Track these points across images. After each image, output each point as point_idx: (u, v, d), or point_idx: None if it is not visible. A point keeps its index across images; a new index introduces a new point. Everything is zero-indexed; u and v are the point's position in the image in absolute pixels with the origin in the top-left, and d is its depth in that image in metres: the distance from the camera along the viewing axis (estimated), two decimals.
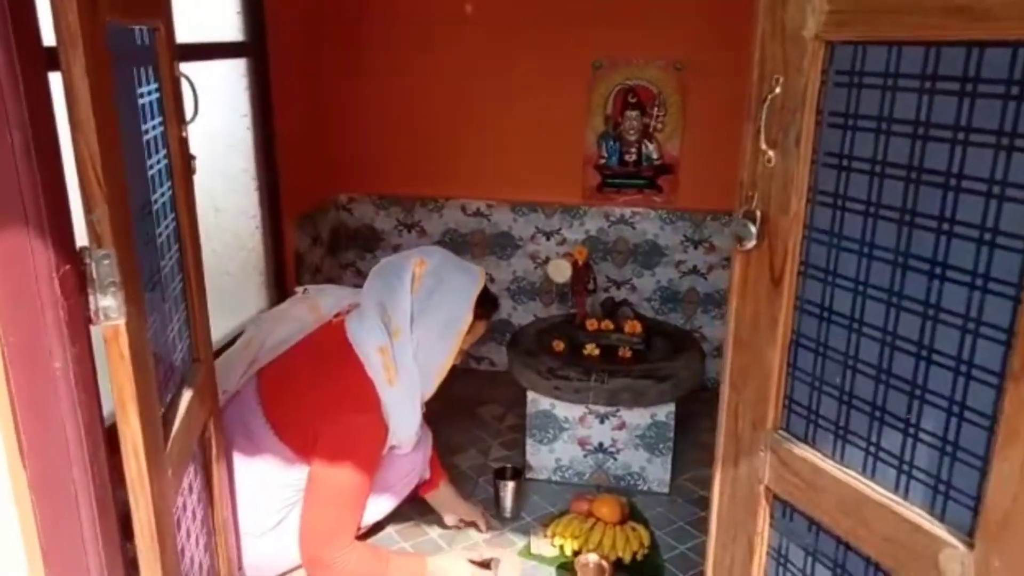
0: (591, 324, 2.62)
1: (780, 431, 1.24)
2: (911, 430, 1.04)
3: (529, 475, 2.58)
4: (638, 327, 2.59)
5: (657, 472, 2.51)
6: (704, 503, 2.48)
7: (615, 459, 2.52)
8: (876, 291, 1.06)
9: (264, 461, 1.79)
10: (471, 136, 3.17)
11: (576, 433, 2.52)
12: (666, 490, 2.52)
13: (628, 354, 2.54)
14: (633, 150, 3.07)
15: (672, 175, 3.07)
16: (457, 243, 3.30)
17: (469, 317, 1.89)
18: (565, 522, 2.26)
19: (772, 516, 1.30)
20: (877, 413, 1.08)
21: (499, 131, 3.14)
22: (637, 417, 2.46)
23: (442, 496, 2.24)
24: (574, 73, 3.04)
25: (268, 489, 1.80)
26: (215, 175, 2.47)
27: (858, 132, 1.06)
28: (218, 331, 2.44)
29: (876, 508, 1.08)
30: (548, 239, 3.23)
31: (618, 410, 2.45)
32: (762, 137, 1.16)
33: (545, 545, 2.24)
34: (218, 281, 2.48)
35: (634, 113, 3.04)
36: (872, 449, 1.10)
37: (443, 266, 1.91)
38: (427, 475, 2.21)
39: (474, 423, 2.92)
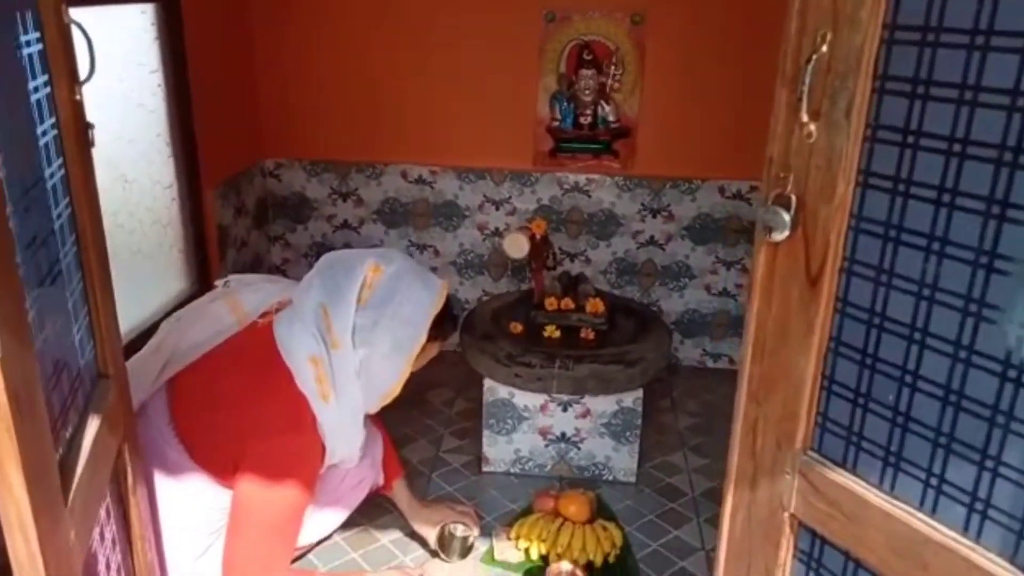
0: (550, 303, 2.42)
1: (811, 452, 1.07)
2: (989, 462, 0.87)
3: (487, 468, 2.38)
4: (600, 306, 2.40)
5: (623, 461, 2.35)
6: (672, 492, 2.34)
7: (579, 449, 2.35)
8: (948, 296, 0.88)
9: (178, 486, 1.53)
10: (412, 95, 2.89)
11: (537, 422, 2.33)
12: (633, 479, 2.36)
13: (591, 335, 2.35)
14: (588, 112, 2.85)
15: (629, 139, 2.87)
16: (397, 213, 3.04)
17: (423, 340, 1.63)
18: (530, 523, 2.08)
19: (797, 547, 1.13)
20: (943, 440, 0.91)
21: (443, 90, 2.87)
22: (602, 404, 2.29)
23: (399, 497, 2.02)
24: (524, 25, 2.78)
25: (187, 516, 1.55)
26: (123, 142, 2.14)
27: (931, 102, 0.86)
28: (131, 319, 2.15)
29: (939, 550, 0.91)
30: (497, 208, 2.99)
31: (582, 397, 2.27)
32: (803, 106, 0.95)
33: (509, 548, 2.06)
34: (129, 263, 2.18)
35: (589, 71, 2.81)
36: (934, 481, 0.93)
37: (400, 276, 1.62)
38: (380, 480, 1.98)
39: (422, 410, 2.70)
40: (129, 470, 1.29)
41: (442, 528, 1.96)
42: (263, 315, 1.67)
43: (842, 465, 1.03)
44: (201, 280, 2.59)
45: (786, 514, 1.11)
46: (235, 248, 2.80)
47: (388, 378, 1.61)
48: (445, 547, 1.96)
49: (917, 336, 0.92)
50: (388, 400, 1.65)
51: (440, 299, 1.66)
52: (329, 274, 1.62)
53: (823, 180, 0.97)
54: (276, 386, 1.53)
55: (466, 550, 1.98)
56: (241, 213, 2.83)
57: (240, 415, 1.50)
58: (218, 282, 1.81)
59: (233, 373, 1.57)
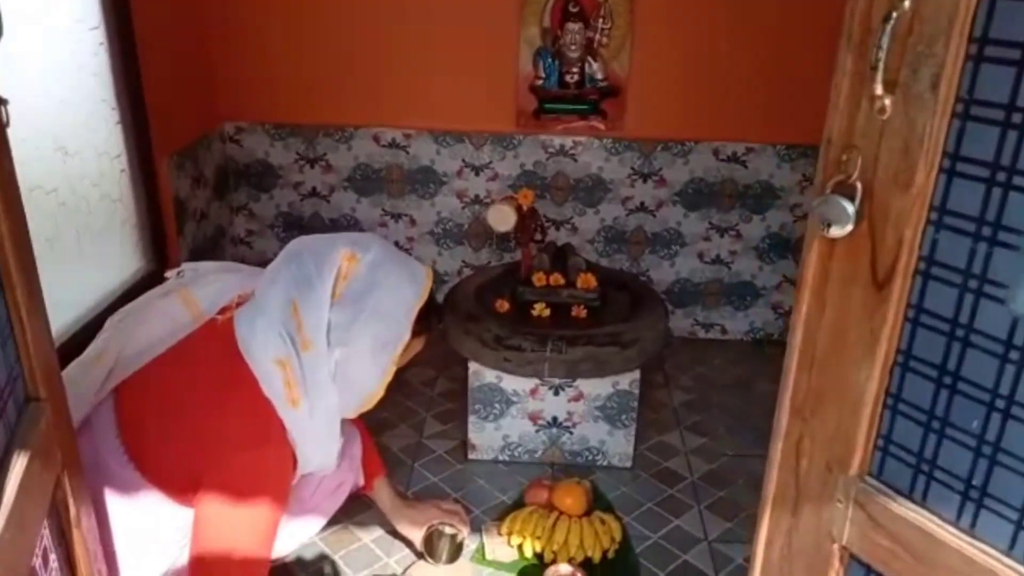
0: (538, 279, 2.25)
1: (869, 478, 0.92)
2: None
3: (473, 455, 2.24)
4: (592, 281, 2.24)
5: (619, 445, 2.21)
6: (670, 476, 2.21)
7: (571, 433, 2.21)
8: None
9: (130, 506, 1.35)
10: (384, 52, 2.66)
11: (526, 407, 2.18)
12: (629, 464, 2.23)
13: (583, 313, 2.19)
14: (575, 69, 2.65)
15: (618, 98, 2.68)
16: (370, 179, 2.83)
17: (407, 336, 1.45)
18: (523, 517, 1.94)
19: None
20: None
21: (417, 46, 2.65)
22: (597, 387, 2.14)
23: (381, 497, 1.86)
24: None
25: (142, 539, 1.37)
26: (62, 109, 1.91)
27: None
28: (79, 307, 1.95)
29: None
30: (477, 174, 2.80)
31: (575, 380, 2.12)
32: (877, 76, 0.78)
33: (501, 546, 1.92)
34: (75, 244, 1.96)
35: (575, 26, 2.60)
36: None
37: (379, 265, 1.43)
38: (360, 480, 1.82)
39: (402, 392, 2.54)
40: (71, 502, 1.11)
41: (429, 529, 1.82)
42: (222, 311, 1.47)
43: (908, 496, 0.89)
44: (158, 258, 2.38)
45: (836, 546, 0.97)
46: (194, 221, 2.58)
47: (369, 380, 1.43)
48: (433, 550, 1.82)
49: (1014, 355, 0.76)
50: (370, 405, 1.48)
51: (425, 291, 1.48)
52: (298, 264, 1.42)
53: (898, 165, 0.80)
54: (238, 393, 1.35)
55: (455, 552, 1.84)
56: (200, 183, 2.61)
57: (197, 428, 1.32)
58: (169, 273, 1.61)
59: (188, 379, 1.39)
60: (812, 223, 0.89)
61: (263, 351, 1.36)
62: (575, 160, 2.76)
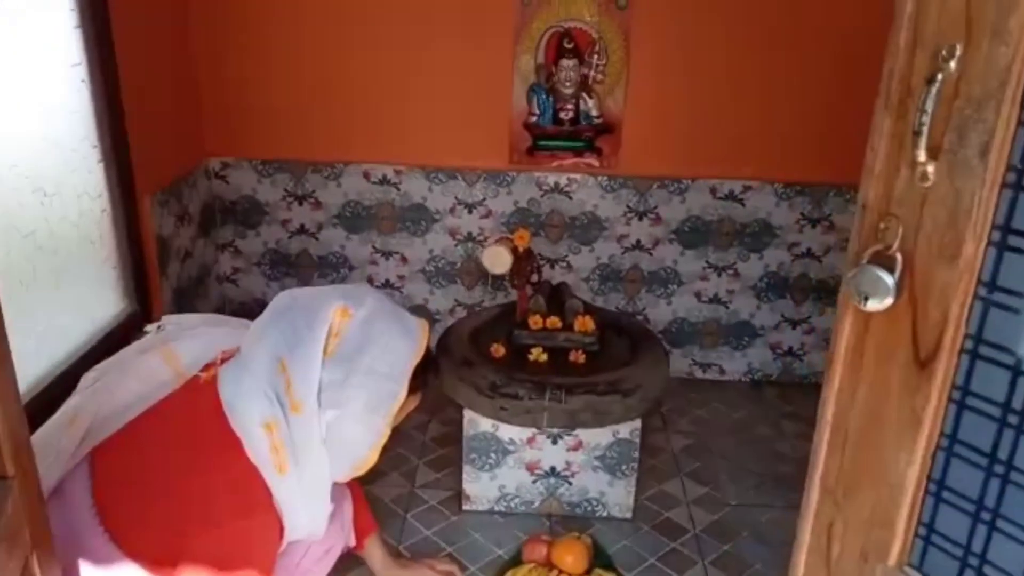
0: (535, 321, 2.18)
1: (909, 569, 0.85)
2: None
3: (467, 506, 2.15)
4: (590, 324, 2.17)
5: (619, 496, 2.13)
6: (672, 528, 2.13)
7: (570, 484, 2.12)
8: None
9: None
10: (374, 88, 2.60)
11: (523, 456, 2.10)
12: (629, 515, 2.15)
13: (581, 358, 2.12)
14: (569, 106, 2.60)
15: (614, 135, 2.63)
16: (360, 217, 2.76)
17: (403, 395, 1.38)
18: (523, 575, 1.85)
19: None
20: None
21: (409, 82, 2.60)
22: (597, 436, 2.06)
23: (372, 556, 1.77)
24: (498, 10, 2.52)
25: None
26: (43, 148, 1.84)
27: None
28: (55, 354, 1.86)
29: None
30: (470, 212, 2.74)
31: (575, 430, 2.04)
32: (920, 142, 0.72)
33: None
34: (52, 288, 1.88)
35: (570, 62, 2.55)
36: None
37: (373, 321, 1.36)
38: (351, 541, 1.73)
39: (392, 438, 2.41)
40: None
41: None
42: (205, 368, 1.39)
43: None
44: (141, 299, 2.29)
45: None
46: (178, 260, 2.50)
47: (362, 442, 1.35)
48: None
49: None
50: (364, 469, 1.40)
51: (421, 346, 1.41)
52: (288, 320, 1.34)
53: (943, 236, 0.75)
54: (221, 459, 1.26)
55: None
56: (184, 221, 2.53)
57: (177, 497, 1.23)
58: (149, 327, 1.52)
59: (168, 442, 1.30)
60: (846, 294, 0.83)
61: (249, 414, 1.28)
62: (570, 198, 2.70)
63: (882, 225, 0.79)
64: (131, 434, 1.31)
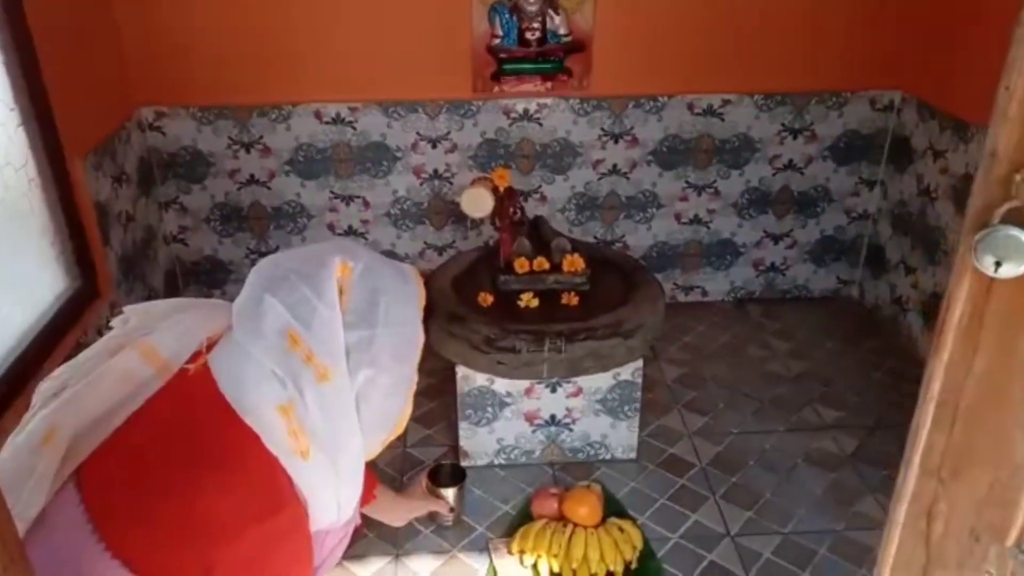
0: (521, 265, 2.04)
1: None
2: None
3: (466, 462, 2.05)
4: (580, 263, 2.04)
5: (622, 437, 2.06)
6: (678, 464, 2.08)
7: (571, 430, 2.04)
8: None
9: None
10: (320, 18, 2.35)
11: (521, 407, 2.00)
12: (633, 455, 2.09)
13: (574, 300, 2.00)
14: (535, 25, 2.40)
15: (584, 54, 2.45)
16: (314, 161, 2.55)
17: (423, 338, 1.32)
18: (536, 532, 1.78)
19: None
20: None
21: (357, 9, 2.35)
22: (597, 380, 1.97)
23: (380, 504, 1.69)
24: None
25: None
26: None
27: None
28: None
29: None
30: (434, 147, 2.55)
31: (577, 376, 1.94)
32: None
33: (513, 566, 1.76)
34: None
35: None
36: None
37: (373, 270, 1.29)
38: (357, 519, 1.62)
39: None
40: None
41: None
42: (191, 359, 1.23)
43: None
44: (85, 273, 2.08)
45: None
46: (120, 225, 2.27)
47: (398, 395, 1.29)
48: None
49: None
50: (402, 426, 1.34)
51: (421, 289, 1.36)
52: (286, 289, 1.21)
53: None
54: (234, 457, 1.13)
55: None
56: (121, 181, 2.29)
57: (195, 510, 1.09)
58: (114, 321, 1.34)
59: (170, 449, 1.15)
60: (967, 256, 0.71)
61: (260, 401, 1.15)
62: (540, 124, 2.53)
63: (1017, 177, 0.67)
64: (122, 443, 1.15)
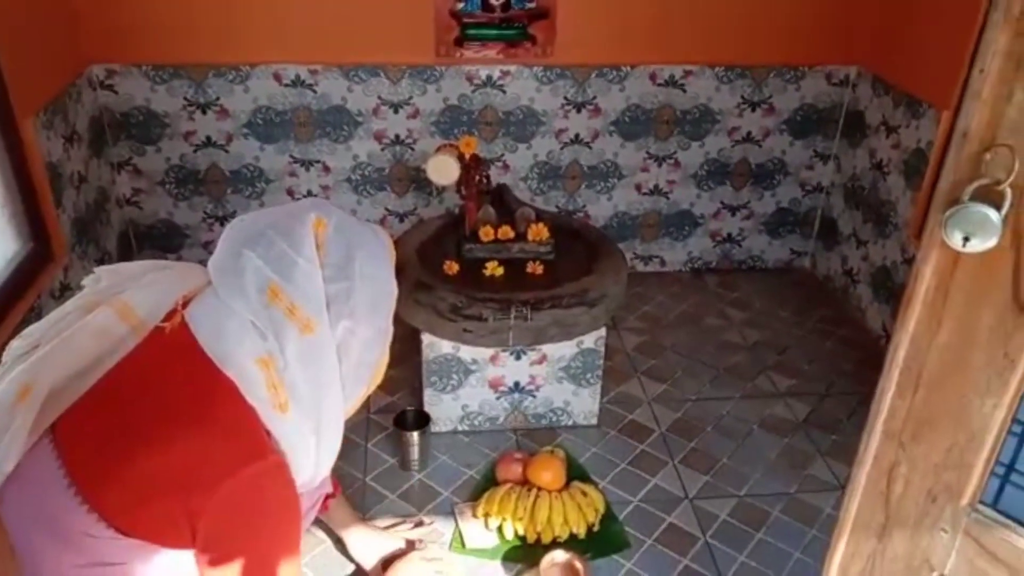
0: (486, 233, 2.05)
1: (983, 507, 0.83)
2: None
3: (431, 429, 2.07)
4: (544, 232, 2.06)
5: (584, 404, 2.10)
6: (638, 430, 2.13)
7: (534, 397, 2.07)
8: None
9: (112, 574, 1.12)
10: None
11: (486, 375, 2.02)
12: (595, 421, 2.13)
13: (539, 269, 2.02)
14: None
15: (548, 21, 2.44)
16: (273, 124, 2.50)
17: (396, 291, 1.33)
18: (501, 496, 1.81)
19: None
20: None
21: None
22: (561, 348, 2.00)
23: (339, 518, 1.69)
24: None
25: None
26: None
27: None
28: None
29: None
30: (396, 112, 2.52)
31: (542, 345, 1.97)
32: None
33: (479, 531, 1.79)
34: None
35: None
36: None
37: (346, 226, 1.28)
38: (329, 488, 1.63)
39: None
40: None
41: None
42: (167, 318, 1.22)
43: None
44: (38, 235, 2.02)
45: (935, 574, 0.88)
46: (73, 187, 2.20)
47: (375, 346, 1.29)
48: None
49: None
50: (378, 380, 1.34)
51: (391, 246, 1.36)
52: (263, 245, 1.20)
53: None
54: (213, 406, 1.13)
55: None
56: (73, 141, 2.22)
57: (175, 460, 1.08)
58: (86, 280, 1.31)
59: (148, 402, 1.13)
60: (936, 231, 0.75)
61: (241, 353, 1.14)
62: (503, 92, 2.52)
63: (987, 156, 0.70)
64: (98, 399, 1.14)
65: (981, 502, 0.83)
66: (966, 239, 0.72)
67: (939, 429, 0.82)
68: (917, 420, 0.83)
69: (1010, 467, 0.80)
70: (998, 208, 0.70)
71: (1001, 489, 0.82)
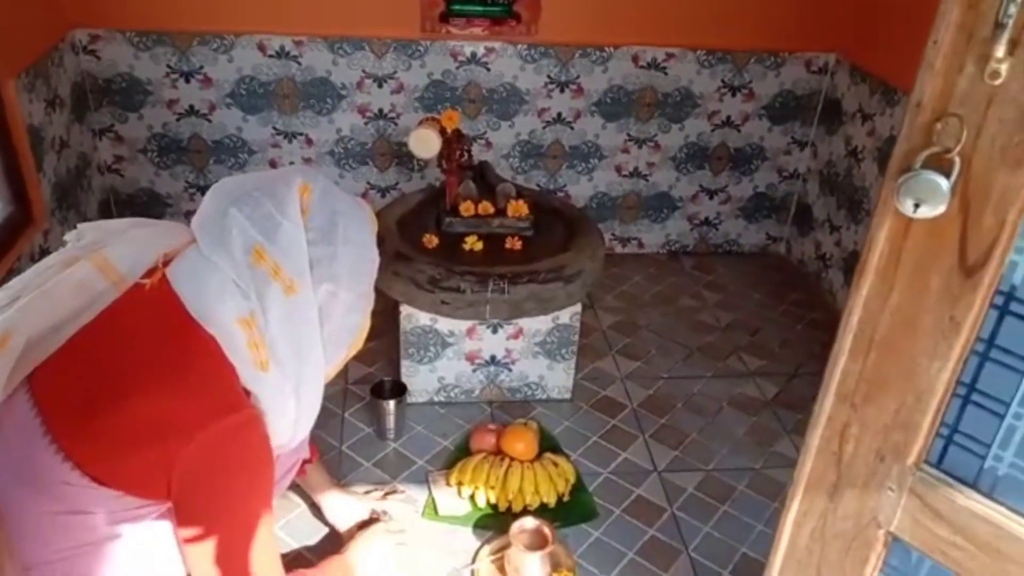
0: (466, 208, 2.08)
1: (927, 466, 0.87)
2: None
3: (407, 400, 2.09)
4: (524, 208, 2.09)
5: (558, 379, 2.14)
6: (610, 405, 2.17)
7: (510, 371, 2.10)
8: None
9: (88, 523, 1.14)
10: None
11: (463, 347, 2.05)
12: (568, 396, 2.17)
13: (517, 244, 2.05)
14: None
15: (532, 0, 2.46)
16: (256, 95, 2.50)
17: (378, 259, 1.36)
18: (474, 465, 1.84)
19: (886, 562, 0.95)
20: None
21: None
22: (537, 323, 2.03)
23: (315, 482, 1.72)
24: None
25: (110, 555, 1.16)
26: None
27: None
28: None
29: None
30: (380, 86, 2.53)
31: (518, 319, 2.00)
32: (1003, 36, 0.66)
33: (452, 498, 1.82)
34: None
35: None
36: None
37: (330, 192, 1.30)
38: (307, 453, 1.65)
39: None
40: None
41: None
42: (147, 274, 1.23)
43: (974, 487, 0.84)
44: (18, 198, 2.02)
45: (882, 531, 0.92)
46: (54, 152, 2.20)
47: (357, 315, 1.32)
48: None
49: None
50: (361, 341, 1.37)
51: (373, 215, 1.39)
52: (250, 207, 1.22)
53: (1008, 138, 0.70)
54: (194, 365, 1.14)
55: None
56: (55, 106, 2.21)
57: (152, 411, 1.10)
58: (68, 235, 1.32)
59: (126, 354, 1.15)
60: (889, 199, 0.78)
61: (223, 311, 1.16)
62: (487, 69, 2.54)
63: (938, 126, 0.73)
64: (75, 350, 1.15)
65: (926, 462, 0.87)
66: (916, 205, 0.75)
67: (889, 391, 0.86)
68: (869, 382, 0.87)
69: (954, 428, 0.84)
70: (947, 176, 0.73)
71: (945, 449, 0.86)
